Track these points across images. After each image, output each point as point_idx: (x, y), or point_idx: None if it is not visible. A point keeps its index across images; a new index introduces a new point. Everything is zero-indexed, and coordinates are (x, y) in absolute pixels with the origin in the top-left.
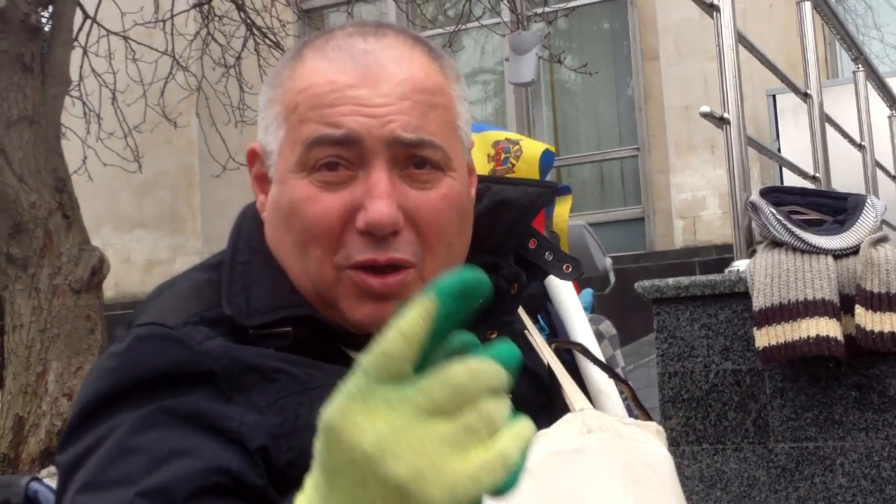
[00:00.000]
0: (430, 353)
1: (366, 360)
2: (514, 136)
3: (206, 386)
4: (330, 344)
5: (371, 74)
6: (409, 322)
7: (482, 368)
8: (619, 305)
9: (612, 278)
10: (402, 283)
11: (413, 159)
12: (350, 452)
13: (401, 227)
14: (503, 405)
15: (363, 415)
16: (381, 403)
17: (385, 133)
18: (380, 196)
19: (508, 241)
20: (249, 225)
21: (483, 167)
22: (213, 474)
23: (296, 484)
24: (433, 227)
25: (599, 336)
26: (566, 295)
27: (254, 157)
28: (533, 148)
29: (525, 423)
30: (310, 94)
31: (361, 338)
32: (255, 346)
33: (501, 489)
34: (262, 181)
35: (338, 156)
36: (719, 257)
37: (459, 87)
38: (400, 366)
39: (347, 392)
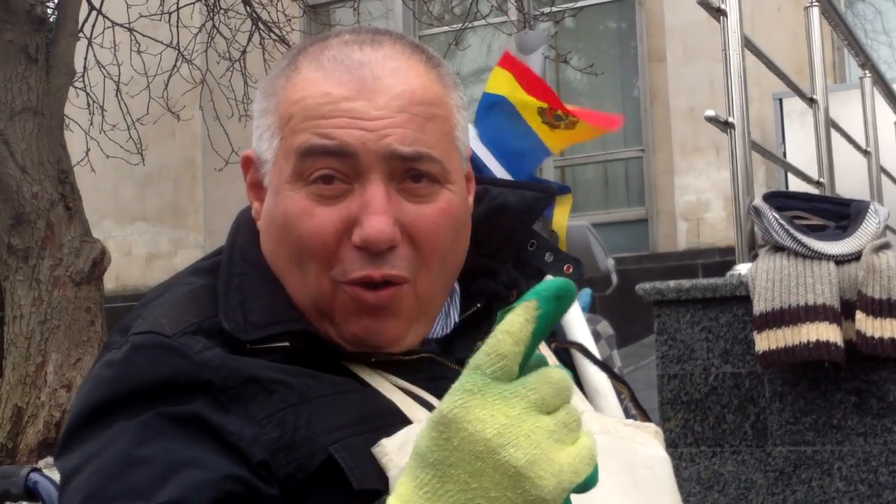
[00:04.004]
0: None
1: (479, 360)
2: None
3: (205, 396)
4: (327, 357)
5: (367, 87)
6: (517, 324)
7: (566, 375)
8: (621, 307)
9: (615, 279)
10: (395, 295)
11: (410, 173)
12: (471, 443)
13: (397, 243)
14: (576, 408)
15: (482, 408)
16: (498, 398)
17: (381, 147)
18: (376, 212)
19: (507, 247)
20: (245, 235)
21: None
22: (225, 483)
23: (295, 498)
24: (430, 242)
25: (596, 336)
26: None
27: (248, 164)
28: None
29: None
30: (304, 105)
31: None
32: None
33: (589, 481)
34: (257, 188)
35: (333, 168)
36: (722, 260)
37: (458, 95)
38: (512, 365)
39: (464, 388)
